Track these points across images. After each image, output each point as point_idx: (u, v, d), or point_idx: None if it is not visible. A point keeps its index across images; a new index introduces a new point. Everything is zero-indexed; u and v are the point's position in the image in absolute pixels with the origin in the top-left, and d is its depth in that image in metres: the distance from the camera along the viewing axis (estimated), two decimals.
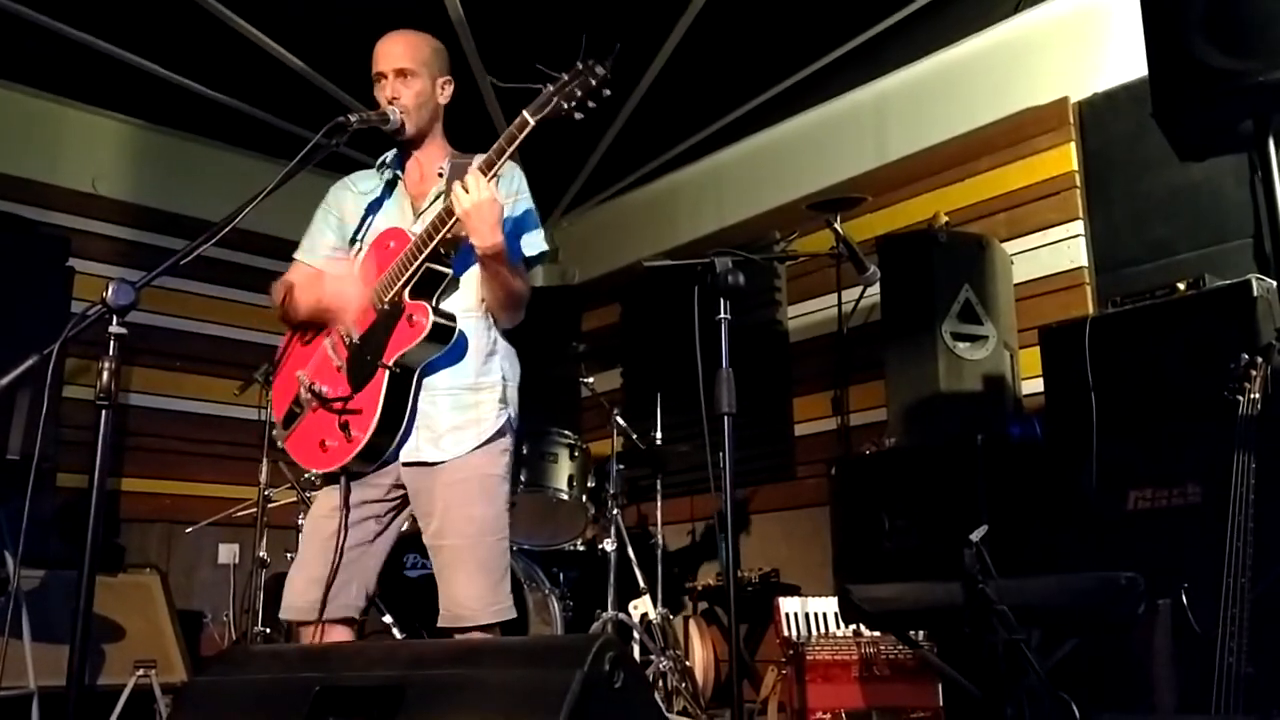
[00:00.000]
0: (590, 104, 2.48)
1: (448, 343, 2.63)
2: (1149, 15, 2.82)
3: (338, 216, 2.85)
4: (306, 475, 4.52)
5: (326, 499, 2.69)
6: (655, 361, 5.96)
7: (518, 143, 2.54)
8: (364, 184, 2.87)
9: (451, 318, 2.64)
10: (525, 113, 2.52)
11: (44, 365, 2.20)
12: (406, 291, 2.61)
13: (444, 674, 1.78)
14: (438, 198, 2.73)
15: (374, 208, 2.83)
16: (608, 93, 2.48)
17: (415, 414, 2.64)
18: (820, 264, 5.28)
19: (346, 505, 2.62)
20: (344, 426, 2.61)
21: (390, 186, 2.84)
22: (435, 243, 2.58)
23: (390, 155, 2.86)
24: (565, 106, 2.48)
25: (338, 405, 2.62)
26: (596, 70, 2.46)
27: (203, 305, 5.90)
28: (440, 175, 2.75)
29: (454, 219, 2.54)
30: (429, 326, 2.56)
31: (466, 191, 2.49)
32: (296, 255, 2.89)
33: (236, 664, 2.06)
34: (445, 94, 2.82)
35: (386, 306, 2.62)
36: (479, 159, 2.62)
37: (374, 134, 2.75)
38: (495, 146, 2.55)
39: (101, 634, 4.33)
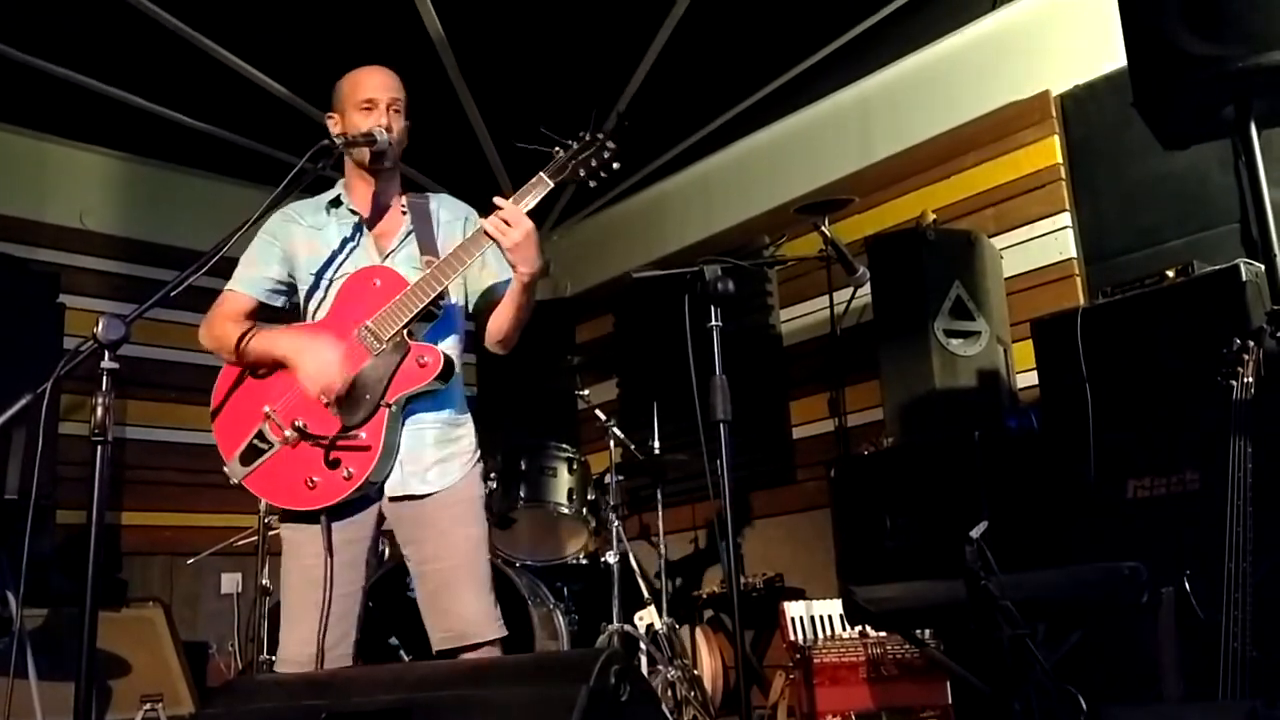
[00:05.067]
0: (603, 174, 2.65)
1: (449, 382, 2.68)
2: (1126, 5, 2.83)
3: (284, 249, 2.79)
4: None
5: (310, 544, 2.62)
6: (650, 371, 5.96)
7: (538, 199, 2.63)
8: (310, 217, 2.82)
9: (451, 358, 2.68)
10: (543, 174, 2.64)
11: (38, 404, 2.20)
12: (406, 332, 2.62)
13: (450, 695, 1.78)
14: (408, 235, 2.76)
15: (335, 245, 2.77)
16: (618, 166, 2.65)
17: (400, 448, 2.67)
18: (811, 266, 5.29)
19: (330, 548, 2.60)
20: (334, 464, 2.59)
21: (348, 224, 2.79)
22: (451, 280, 2.61)
23: (340, 193, 2.82)
24: (581, 174, 2.63)
25: (324, 442, 2.60)
26: (609, 145, 2.63)
27: (195, 335, 5.86)
28: (404, 214, 2.79)
29: (474, 257, 2.61)
30: (441, 369, 2.61)
31: (511, 225, 2.55)
32: (233, 286, 2.79)
33: (243, 694, 2.06)
34: (406, 139, 2.82)
35: (385, 346, 2.62)
36: (440, 199, 2.84)
37: None
38: (514, 199, 2.62)
39: (107, 670, 4.32)
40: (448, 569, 2.63)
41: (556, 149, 2.63)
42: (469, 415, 2.84)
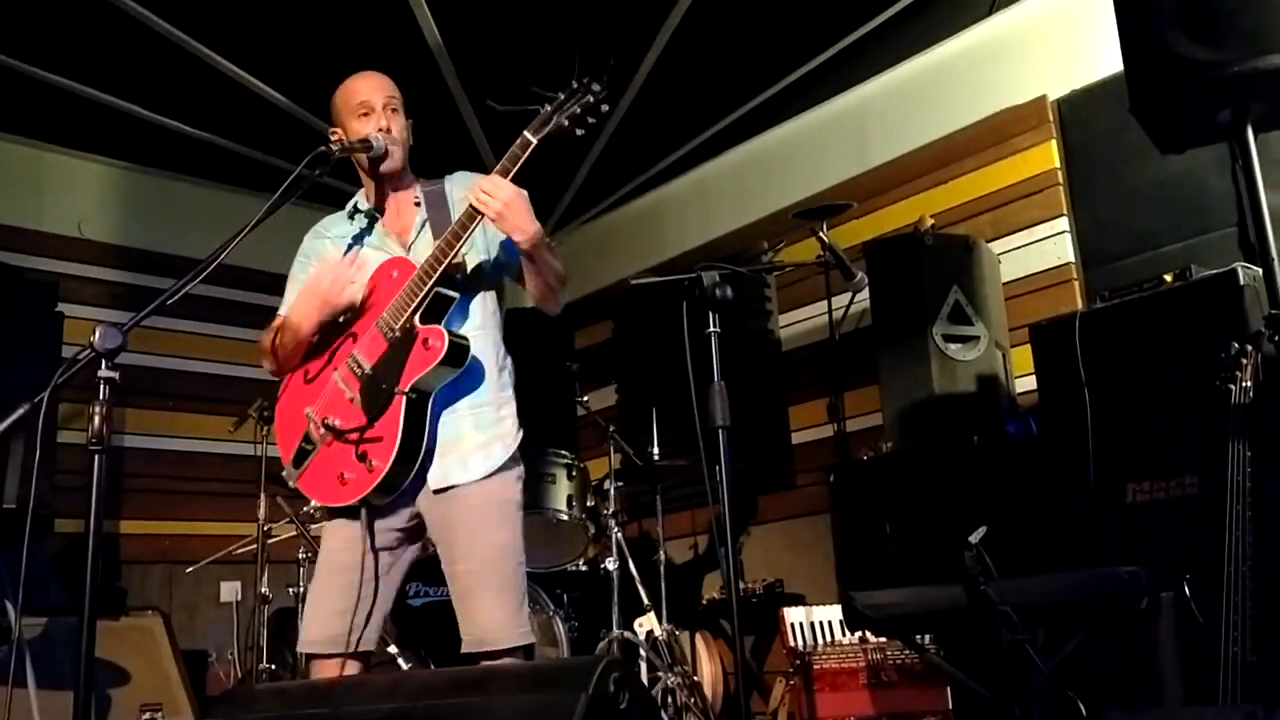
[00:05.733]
0: (590, 120, 2.56)
1: (463, 364, 2.64)
2: (1122, 10, 2.83)
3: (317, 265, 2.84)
4: (307, 509, 4.51)
5: (341, 530, 2.68)
6: (649, 377, 5.96)
7: (522, 161, 2.58)
8: (337, 229, 2.88)
9: (465, 339, 2.65)
10: (526, 133, 2.57)
11: (35, 412, 2.20)
12: (417, 317, 2.61)
13: (450, 703, 1.77)
14: (424, 225, 2.77)
15: (354, 247, 2.82)
16: (605, 108, 2.56)
17: (434, 439, 2.64)
18: (809, 271, 5.28)
19: (372, 536, 2.63)
20: (362, 457, 2.59)
21: (367, 227, 2.84)
22: (449, 260, 2.58)
23: (359, 200, 2.86)
24: (565, 124, 2.55)
25: (353, 437, 2.61)
26: (593, 87, 2.54)
27: (193, 343, 5.89)
28: (417, 205, 2.80)
29: (469, 231, 2.57)
30: (445, 349, 2.57)
31: (491, 195, 2.51)
32: (282, 311, 2.86)
33: (242, 703, 2.06)
34: (411, 136, 2.84)
35: (398, 334, 2.62)
36: (453, 179, 2.78)
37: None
38: (500, 166, 2.58)
39: (106, 679, 4.31)
40: (471, 573, 2.61)
41: (543, 105, 2.56)
42: (510, 395, 2.80)
